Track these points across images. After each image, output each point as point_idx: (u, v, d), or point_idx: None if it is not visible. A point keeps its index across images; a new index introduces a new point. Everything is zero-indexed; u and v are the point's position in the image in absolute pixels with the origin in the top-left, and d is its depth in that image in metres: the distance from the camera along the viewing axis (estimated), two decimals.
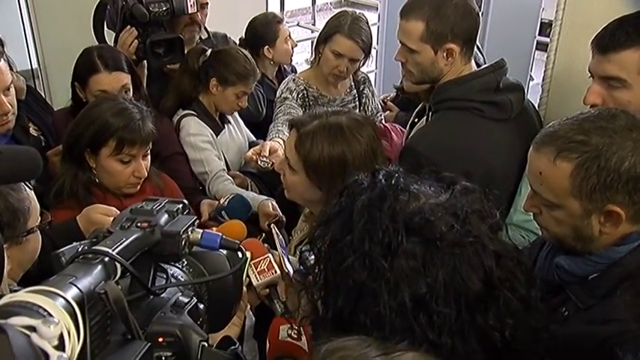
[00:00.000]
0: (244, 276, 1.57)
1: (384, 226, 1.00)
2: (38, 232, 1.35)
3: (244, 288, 1.57)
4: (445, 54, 1.90)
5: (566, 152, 1.29)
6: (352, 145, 1.72)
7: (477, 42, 3.08)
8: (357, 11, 2.88)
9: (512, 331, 0.99)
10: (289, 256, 1.68)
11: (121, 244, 0.86)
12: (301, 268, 1.15)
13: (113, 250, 0.84)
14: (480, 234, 1.02)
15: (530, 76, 4.69)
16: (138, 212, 0.96)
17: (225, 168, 2.66)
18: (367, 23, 2.77)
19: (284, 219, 2.27)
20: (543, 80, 2.29)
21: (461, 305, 0.98)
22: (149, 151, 2.08)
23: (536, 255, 1.52)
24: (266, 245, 1.69)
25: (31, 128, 2.38)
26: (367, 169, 1.68)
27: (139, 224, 0.93)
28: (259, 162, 2.25)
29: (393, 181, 1.08)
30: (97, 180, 2.04)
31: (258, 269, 1.64)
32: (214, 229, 1.92)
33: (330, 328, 1.06)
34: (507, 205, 1.93)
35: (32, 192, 1.33)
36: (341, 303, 1.02)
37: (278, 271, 1.63)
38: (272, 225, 1.85)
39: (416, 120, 2.19)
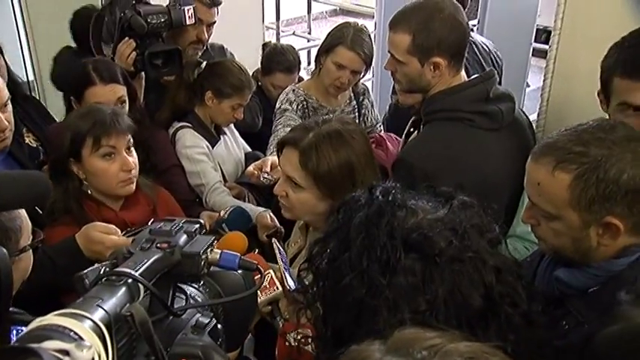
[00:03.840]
0: None
1: (381, 242, 1.00)
2: (30, 250, 1.34)
3: None
4: (432, 67, 1.91)
5: (565, 163, 1.29)
6: (353, 147, 1.72)
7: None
8: (360, 21, 2.87)
9: (515, 346, 0.98)
10: (290, 269, 1.67)
11: (143, 265, 0.87)
12: (300, 285, 1.14)
13: (135, 272, 0.84)
14: (479, 249, 1.01)
15: (527, 82, 4.71)
16: (157, 233, 0.96)
17: (221, 180, 2.65)
18: (369, 36, 2.77)
19: (282, 230, 2.26)
20: (542, 89, 2.29)
21: (462, 321, 0.97)
22: (132, 147, 2.04)
23: (536, 267, 1.51)
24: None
25: (29, 138, 2.36)
26: (370, 166, 1.72)
27: (158, 245, 0.93)
28: (261, 178, 2.24)
29: (390, 197, 1.08)
30: (90, 191, 2.02)
31: (260, 286, 1.63)
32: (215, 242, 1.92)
33: (331, 345, 1.05)
34: (507, 217, 1.92)
35: (24, 210, 1.32)
36: (340, 320, 1.02)
37: (280, 288, 1.61)
38: (273, 239, 1.83)
39: (411, 130, 2.19)
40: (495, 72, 2.00)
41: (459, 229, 1.02)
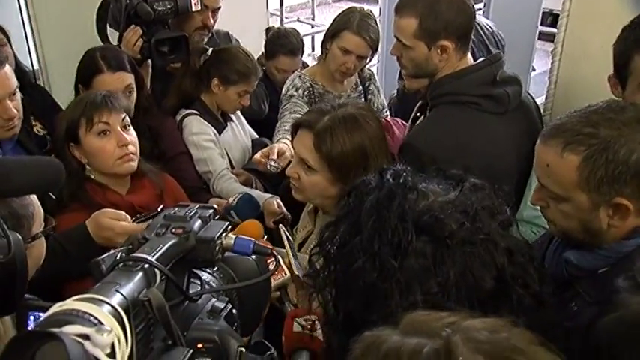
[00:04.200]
0: None
1: (393, 225, 1.00)
2: (43, 237, 1.35)
3: None
4: (439, 50, 1.91)
5: (574, 145, 1.29)
6: (368, 132, 1.73)
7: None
8: (365, 6, 2.86)
9: (526, 327, 0.99)
10: (297, 255, 1.68)
11: (159, 250, 0.87)
12: (311, 270, 1.14)
13: (152, 257, 0.84)
14: (491, 231, 1.01)
15: (532, 66, 4.68)
16: (172, 218, 0.97)
17: (229, 166, 2.66)
18: (375, 21, 2.76)
19: (289, 217, 2.27)
20: (550, 72, 2.28)
21: (473, 303, 0.97)
22: (129, 126, 2.04)
23: (545, 250, 1.52)
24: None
25: (36, 127, 2.38)
26: (382, 152, 1.73)
27: (173, 230, 0.94)
28: (267, 165, 2.25)
29: (401, 180, 1.08)
30: (93, 176, 2.02)
31: None
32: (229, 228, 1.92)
33: (342, 329, 1.06)
34: (515, 200, 1.92)
35: (35, 197, 1.33)
36: (352, 304, 1.02)
37: (288, 273, 1.62)
38: (280, 226, 1.84)
39: (418, 114, 2.19)
40: (502, 55, 1.99)
41: (470, 211, 1.02)
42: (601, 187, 1.27)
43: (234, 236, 0.97)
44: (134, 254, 0.84)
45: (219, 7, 2.85)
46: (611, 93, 1.70)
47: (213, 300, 0.93)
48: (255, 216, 2.18)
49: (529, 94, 2.12)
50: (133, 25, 2.53)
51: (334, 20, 2.76)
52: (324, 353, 1.18)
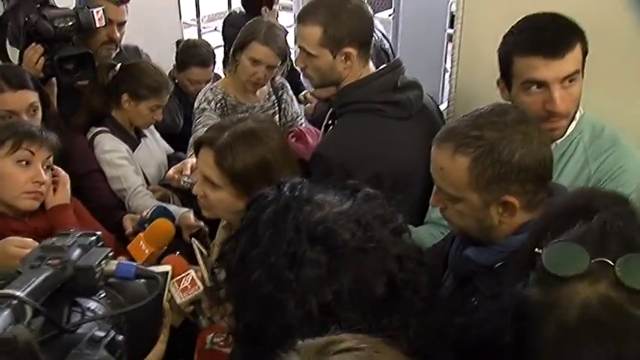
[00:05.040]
0: (166, 294, 1.56)
1: (288, 237, 1.02)
2: None
3: (168, 306, 1.56)
4: (343, 58, 1.95)
5: (463, 147, 1.35)
6: (269, 145, 1.74)
7: (389, 39, 3.22)
8: (280, 14, 2.91)
9: (417, 329, 1.03)
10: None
11: (31, 284, 0.85)
12: (213, 283, 1.15)
13: (22, 292, 0.82)
14: (382, 239, 1.05)
15: (445, 68, 4.83)
16: (48, 249, 0.95)
17: (144, 183, 2.61)
18: (282, 30, 2.80)
19: (206, 229, 2.26)
20: (450, 76, 2.37)
21: (366, 309, 1.01)
22: (51, 168, 2.00)
23: (449, 249, 1.58)
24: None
25: None
26: (286, 164, 1.75)
27: (49, 262, 0.91)
28: (181, 182, 2.23)
29: (297, 193, 1.10)
30: None
31: (181, 287, 1.63)
32: (141, 233, 1.90)
33: (243, 341, 1.08)
34: (424, 203, 1.99)
35: None
36: (250, 316, 1.04)
37: (201, 287, 1.62)
38: (193, 239, 1.84)
39: (330, 122, 2.23)
40: (401, 62, 2.05)
41: (362, 220, 1.05)
42: (489, 186, 1.34)
43: (116, 262, 0.96)
44: (1, 291, 0.82)
45: (125, 21, 2.80)
46: None
47: (95, 328, 0.92)
48: None
49: (431, 98, 2.20)
50: (33, 43, 2.46)
51: (241, 31, 2.78)
52: None
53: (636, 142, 1.82)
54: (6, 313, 0.78)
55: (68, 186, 2.08)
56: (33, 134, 1.93)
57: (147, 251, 1.84)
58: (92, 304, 0.96)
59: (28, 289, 0.82)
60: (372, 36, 2.03)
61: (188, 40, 3.46)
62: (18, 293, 0.80)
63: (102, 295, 0.98)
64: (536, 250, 0.88)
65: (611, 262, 0.81)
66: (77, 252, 0.94)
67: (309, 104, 3.26)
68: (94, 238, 0.97)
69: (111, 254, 0.96)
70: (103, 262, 0.94)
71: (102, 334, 0.90)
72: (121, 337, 0.92)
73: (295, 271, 1.01)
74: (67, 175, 2.08)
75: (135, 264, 0.98)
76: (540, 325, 0.84)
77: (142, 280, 1.01)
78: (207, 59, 3.26)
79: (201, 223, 2.27)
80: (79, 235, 0.97)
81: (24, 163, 1.92)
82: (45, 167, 1.97)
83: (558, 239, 0.88)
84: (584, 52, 1.68)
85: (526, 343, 0.88)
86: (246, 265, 1.06)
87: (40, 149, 1.94)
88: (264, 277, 1.02)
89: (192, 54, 3.23)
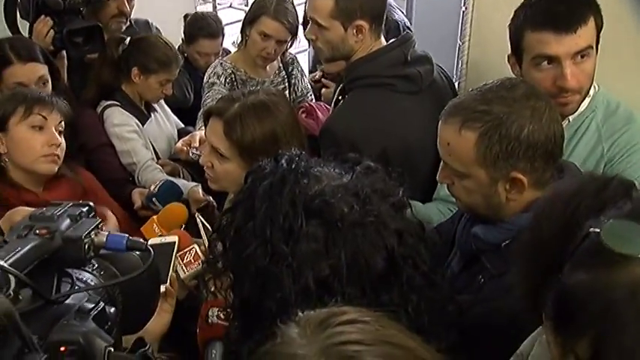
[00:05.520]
0: (172, 264, 1.56)
1: (284, 210, 1.01)
2: None
3: (174, 276, 1.56)
4: (355, 31, 1.91)
5: (470, 122, 1.32)
6: (278, 118, 1.73)
7: (406, 11, 3.15)
8: None
9: (416, 306, 1.01)
10: None
11: (16, 254, 0.83)
12: (210, 256, 1.14)
13: (6, 261, 0.80)
14: (381, 213, 1.03)
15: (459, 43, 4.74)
16: (37, 219, 0.93)
17: (154, 157, 2.61)
18: (292, 4, 2.75)
19: (214, 203, 2.25)
20: (461, 52, 2.34)
21: (365, 284, 0.99)
22: (62, 132, 2.00)
23: (456, 226, 1.56)
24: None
25: None
26: (294, 138, 1.73)
27: (37, 232, 0.90)
28: (190, 154, 2.22)
29: (294, 165, 1.08)
30: (9, 173, 1.96)
31: (185, 261, 1.63)
32: (155, 217, 1.90)
33: (239, 316, 1.07)
34: (433, 179, 1.95)
35: None
36: (247, 290, 1.03)
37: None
38: (197, 214, 1.83)
39: (339, 98, 2.20)
40: (412, 35, 2.01)
41: (361, 194, 1.03)
42: (497, 162, 1.31)
43: (106, 233, 0.95)
44: None
45: None
46: None
47: (84, 299, 0.91)
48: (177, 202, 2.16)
49: (443, 72, 2.15)
50: (42, 16, 2.44)
51: (251, 6, 2.75)
52: (225, 340, 1.18)
53: None
54: None
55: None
56: (43, 99, 1.96)
57: (160, 234, 1.84)
58: (84, 275, 0.95)
59: (13, 259, 0.81)
60: (385, 10, 1.99)
61: (196, 12, 3.42)
62: (1, 262, 0.78)
63: (95, 267, 0.97)
64: (591, 229, 0.80)
65: None
66: (66, 222, 0.92)
67: (324, 89, 3.19)
68: (85, 208, 0.96)
69: (101, 225, 0.95)
70: (93, 232, 0.92)
71: (90, 305, 0.88)
72: (113, 310, 0.90)
73: (291, 245, 0.99)
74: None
75: (126, 235, 0.96)
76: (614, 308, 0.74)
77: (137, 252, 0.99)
78: (216, 31, 3.22)
79: (210, 198, 2.27)
80: (70, 205, 0.96)
81: (38, 128, 1.93)
82: (58, 132, 1.98)
83: (609, 217, 0.81)
84: (599, 27, 1.62)
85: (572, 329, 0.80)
86: (242, 238, 1.04)
87: (51, 114, 1.95)
88: (259, 250, 1.00)
89: (199, 26, 3.19)
